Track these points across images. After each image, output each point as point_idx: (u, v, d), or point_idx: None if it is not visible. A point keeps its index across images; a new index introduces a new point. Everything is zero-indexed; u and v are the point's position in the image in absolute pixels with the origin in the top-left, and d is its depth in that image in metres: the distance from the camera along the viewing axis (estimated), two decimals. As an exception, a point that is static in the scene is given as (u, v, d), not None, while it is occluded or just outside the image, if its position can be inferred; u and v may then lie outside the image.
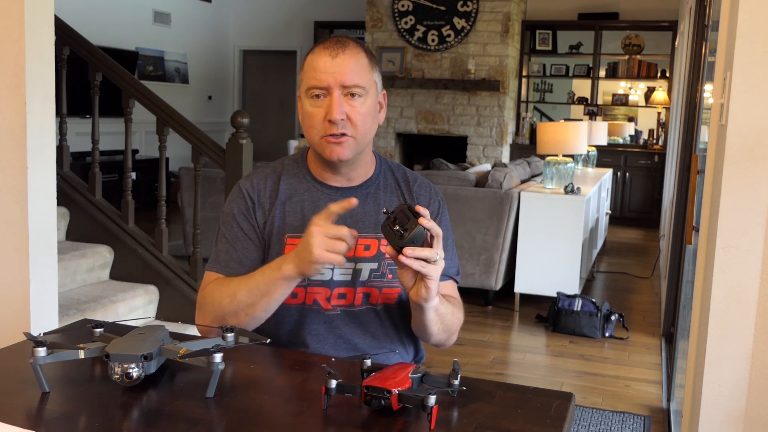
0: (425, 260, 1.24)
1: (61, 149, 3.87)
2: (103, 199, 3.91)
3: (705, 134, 2.67)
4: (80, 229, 3.89)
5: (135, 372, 1.12)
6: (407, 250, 1.22)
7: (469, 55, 8.17)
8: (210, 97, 10.01)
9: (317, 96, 1.43)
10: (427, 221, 1.23)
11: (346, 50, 1.44)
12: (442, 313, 1.43)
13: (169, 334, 1.24)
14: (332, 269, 1.48)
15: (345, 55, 1.43)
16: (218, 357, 1.12)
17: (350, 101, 1.43)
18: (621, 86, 9.11)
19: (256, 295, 1.38)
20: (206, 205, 4.77)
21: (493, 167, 5.04)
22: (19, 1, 2.28)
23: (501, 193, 4.67)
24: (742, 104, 1.60)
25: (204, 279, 1.52)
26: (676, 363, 3.35)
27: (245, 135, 3.50)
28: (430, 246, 1.25)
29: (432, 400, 1.02)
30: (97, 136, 4.00)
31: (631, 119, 9.25)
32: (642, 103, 9.02)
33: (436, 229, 1.25)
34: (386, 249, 1.26)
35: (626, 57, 8.61)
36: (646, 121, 9.08)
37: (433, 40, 8.26)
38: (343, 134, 1.43)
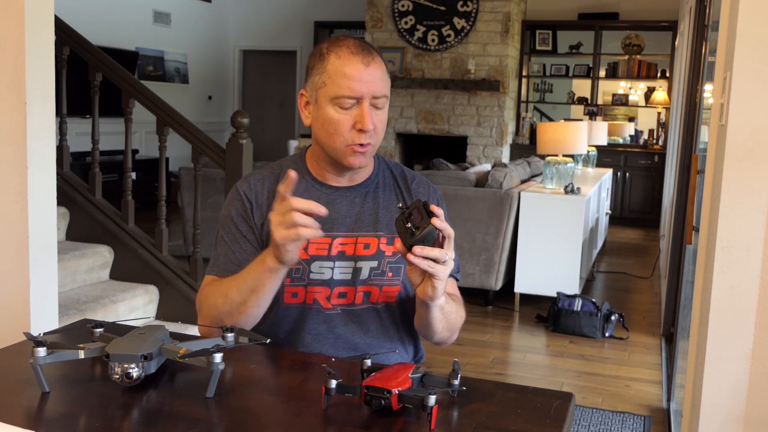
0: (434, 260, 1.24)
1: (61, 149, 3.86)
2: (103, 199, 3.91)
3: (705, 134, 2.67)
4: (80, 229, 3.89)
5: (135, 372, 1.12)
6: (416, 249, 1.22)
7: (469, 55, 8.17)
8: (210, 97, 10.01)
9: (345, 104, 1.42)
10: (439, 222, 1.23)
11: (375, 57, 1.43)
12: (447, 312, 1.43)
13: (169, 334, 1.24)
14: (332, 269, 1.48)
15: (375, 64, 1.43)
16: (218, 357, 1.12)
17: (375, 110, 1.44)
18: (621, 86, 9.11)
19: (245, 291, 1.38)
20: (206, 205, 4.77)
21: (493, 167, 5.04)
22: (19, 1, 2.28)
23: (501, 193, 4.67)
24: (742, 104, 1.60)
25: (203, 283, 1.52)
26: (676, 363, 3.35)
27: (245, 135, 3.50)
28: (441, 246, 1.25)
29: (432, 400, 1.02)
30: (97, 136, 4.00)
31: (631, 119, 9.25)
32: (642, 103, 9.02)
33: (448, 230, 1.25)
34: (396, 245, 1.27)
35: (626, 57, 8.61)
36: (646, 121, 9.08)
37: (433, 40, 8.26)
38: (368, 143, 1.45)
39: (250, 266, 1.39)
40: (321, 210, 1.25)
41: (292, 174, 1.27)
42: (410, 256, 1.23)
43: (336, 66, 1.42)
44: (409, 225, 1.24)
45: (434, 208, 1.24)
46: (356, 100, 1.41)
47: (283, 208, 1.26)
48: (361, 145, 1.44)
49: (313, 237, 1.26)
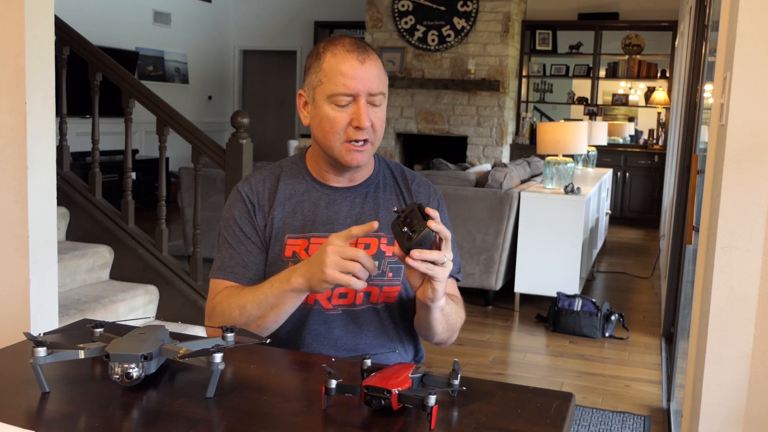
0: (432, 263, 1.24)
1: (61, 149, 3.86)
2: (103, 199, 3.91)
3: (705, 134, 2.67)
4: (80, 229, 3.88)
5: (135, 372, 1.12)
6: (414, 253, 1.22)
7: (469, 55, 8.17)
8: (210, 97, 10.01)
9: (341, 102, 1.43)
10: (435, 224, 1.23)
11: (370, 55, 1.44)
12: (447, 313, 1.43)
13: (169, 334, 1.24)
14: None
15: (371, 61, 1.43)
16: (218, 357, 1.12)
17: (372, 108, 1.44)
18: (621, 86, 9.11)
19: (265, 307, 1.38)
20: (206, 205, 4.77)
21: (493, 167, 5.04)
22: (19, 1, 2.28)
23: (501, 193, 4.67)
24: (742, 104, 1.60)
25: (211, 288, 1.51)
26: (676, 363, 3.35)
27: (245, 135, 3.50)
28: (439, 248, 1.25)
29: (432, 400, 1.02)
30: (97, 136, 3.99)
31: (631, 119, 9.25)
32: (642, 103, 9.02)
33: (445, 232, 1.25)
34: (394, 249, 1.27)
35: (626, 57, 8.61)
36: (646, 121, 9.08)
37: (433, 40, 8.26)
38: (365, 141, 1.44)
39: (272, 282, 1.39)
40: (374, 271, 1.29)
41: (375, 225, 1.29)
42: (409, 260, 1.23)
43: (332, 64, 1.42)
44: (406, 229, 1.23)
45: (430, 210, 1.24)
46: (352, 97, 1.42)
47: (349, 253, 1.27)
48: (358, 142, 1.44)
49: (359, 289, 1.31)
